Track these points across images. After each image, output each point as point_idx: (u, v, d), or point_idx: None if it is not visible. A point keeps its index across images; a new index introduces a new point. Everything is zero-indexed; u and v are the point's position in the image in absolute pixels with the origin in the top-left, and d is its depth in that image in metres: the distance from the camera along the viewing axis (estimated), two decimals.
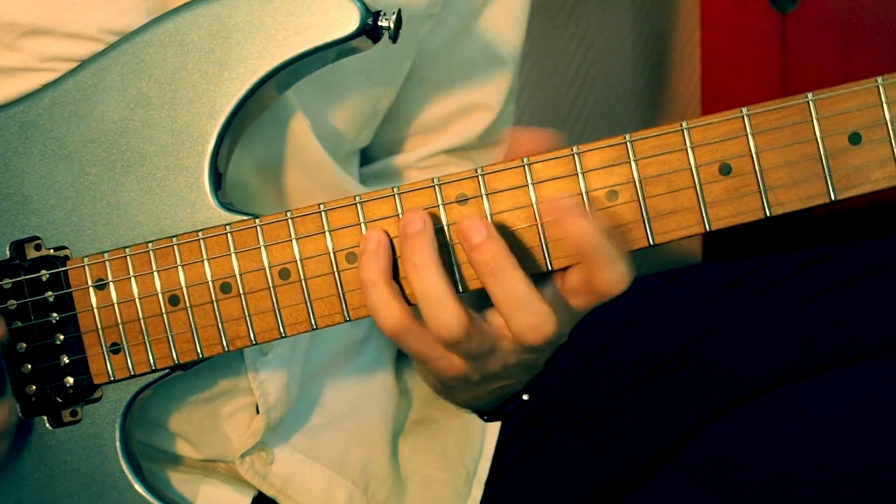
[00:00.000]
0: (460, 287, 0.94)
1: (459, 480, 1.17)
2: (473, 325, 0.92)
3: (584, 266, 0.92)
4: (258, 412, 1.09)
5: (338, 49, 0.95)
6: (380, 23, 0.94)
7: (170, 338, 0.98)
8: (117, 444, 0.99)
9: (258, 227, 0.96)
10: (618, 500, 1.19)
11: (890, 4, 1.96)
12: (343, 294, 0.96)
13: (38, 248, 0.99)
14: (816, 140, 0.93)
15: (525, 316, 0.90)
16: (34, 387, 0.99)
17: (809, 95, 0.93)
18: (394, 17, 0.94)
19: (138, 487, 0.99)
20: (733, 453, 1.12)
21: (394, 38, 0.95)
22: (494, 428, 1.20)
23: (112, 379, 0.99)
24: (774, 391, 1.16)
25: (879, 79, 0.93)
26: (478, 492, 1.18)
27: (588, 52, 2.04)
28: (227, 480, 1.11)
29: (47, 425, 0.99)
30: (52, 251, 0.99)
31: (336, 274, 0.96)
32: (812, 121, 0.93)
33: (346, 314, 0.96)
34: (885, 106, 0.93)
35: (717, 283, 1.25)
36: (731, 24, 2.01)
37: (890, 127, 0.93)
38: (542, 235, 0.94)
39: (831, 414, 1.11)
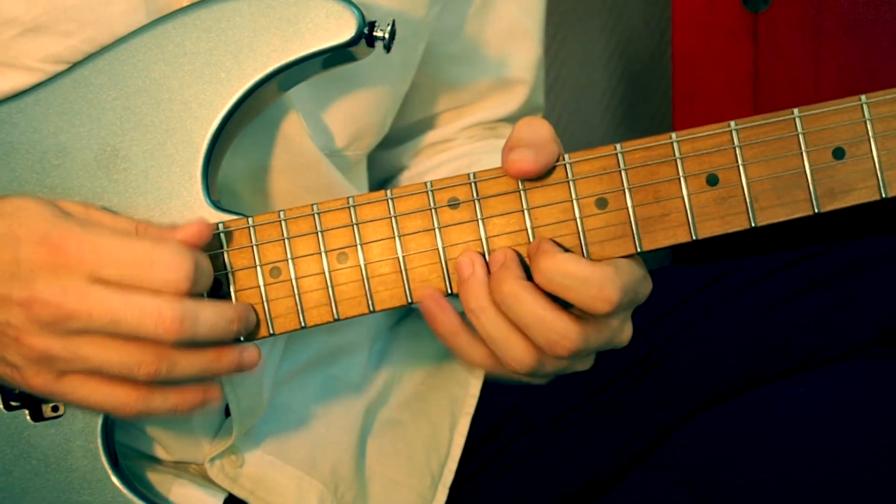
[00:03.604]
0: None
1: (424, 485, 1.17)
2: (542, 356, 0.94)
3: None
4: (227, 416, 1.09)
5: (333, 56, 0.96)
6: (375, 32, 0.96)
7: None
8: (98, 440, 0.98)
9: (251, 227, 0.96)
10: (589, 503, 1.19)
11: (860, 5, 1.98)
12: (333, 293, 0.96)
13: None
14: (802, 154, 0.95)
15: (547, 333, 0.92)
16: None
17: (796, 111, 0.95)
18: (388, 27, 0.96)
19: (117, 483, 0.98)
20: (706, 455, 1.12)
21: (388, 48, 0.96)
22: (462, 432, 1.20)
23: None
24: (747, 393, 1.16)
25: (863, 97, 0.95)
26: (442, 495, 1.17)
27: (559, 51, 2.04)
28: (198, 481, 1.11)
29: (28, 419, 0.98)
30: None
31: (327, 274, 0.96)
32: (798, 135, 0.95)
33: (335, 313, 0.97)
34: (868, 122, 0.95)
35: (690, 284, 1.25)
36: (703, 23, 2.02)
37: (873, 143, 0.95)
38: (531, 241, 0.95)
39: (804, 415, 1.11)
